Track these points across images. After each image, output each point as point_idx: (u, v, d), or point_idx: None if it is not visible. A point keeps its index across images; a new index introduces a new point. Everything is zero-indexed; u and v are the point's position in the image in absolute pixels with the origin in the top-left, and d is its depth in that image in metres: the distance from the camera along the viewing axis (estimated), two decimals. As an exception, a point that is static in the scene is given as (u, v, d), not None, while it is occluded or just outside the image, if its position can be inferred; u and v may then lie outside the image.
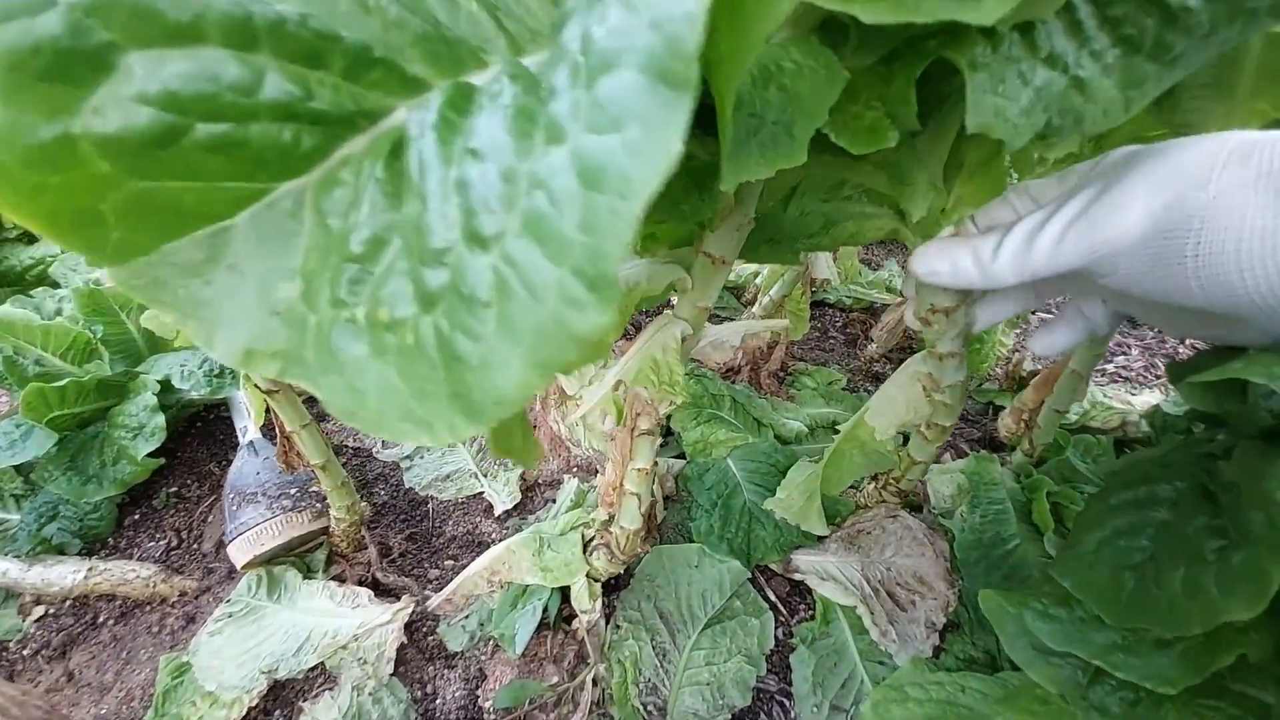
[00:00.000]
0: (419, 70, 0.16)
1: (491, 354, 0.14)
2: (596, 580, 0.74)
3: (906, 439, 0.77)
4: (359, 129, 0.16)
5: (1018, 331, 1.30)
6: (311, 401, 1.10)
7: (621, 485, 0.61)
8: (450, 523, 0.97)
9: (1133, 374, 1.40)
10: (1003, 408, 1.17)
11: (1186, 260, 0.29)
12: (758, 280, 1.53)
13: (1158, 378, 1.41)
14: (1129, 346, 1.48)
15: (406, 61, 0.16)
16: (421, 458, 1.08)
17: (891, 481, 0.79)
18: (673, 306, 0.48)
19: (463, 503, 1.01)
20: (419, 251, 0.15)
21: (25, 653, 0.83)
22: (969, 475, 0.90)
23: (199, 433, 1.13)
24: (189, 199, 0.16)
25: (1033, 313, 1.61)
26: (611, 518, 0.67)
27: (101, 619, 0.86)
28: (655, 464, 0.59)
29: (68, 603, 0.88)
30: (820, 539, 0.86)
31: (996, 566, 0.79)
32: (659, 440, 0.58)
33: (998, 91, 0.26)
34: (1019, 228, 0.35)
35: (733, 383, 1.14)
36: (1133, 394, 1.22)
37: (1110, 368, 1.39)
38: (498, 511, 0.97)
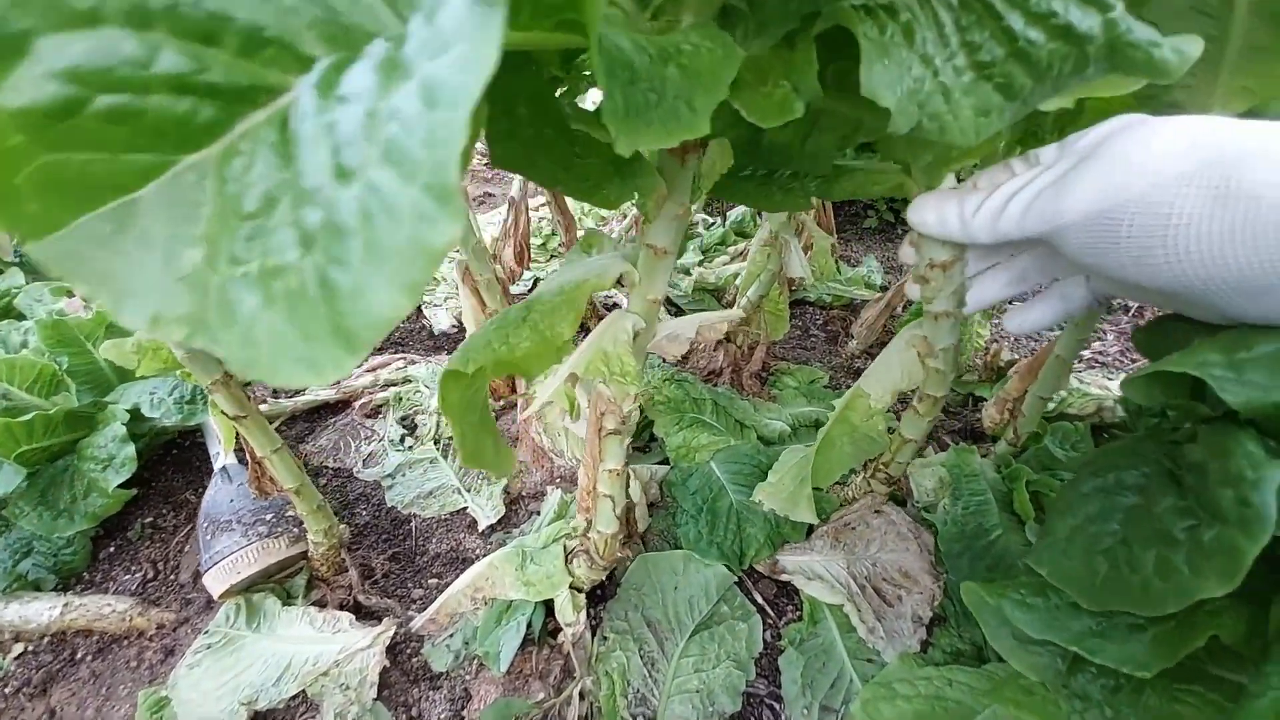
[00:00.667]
0: (314, 49, 0.17)
1: (362, 280, 0.15)
2: (580, 591, 0.74)
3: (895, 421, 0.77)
4: (258, 104, 0.17)
5: (994, 323, 1.31)
6: (284, 426, 1.07)
7: (595, 489, 0.60)
8: (434, 540, 0.96)
9: (1109, 359, 1.42)
10: (983, 399, 1.19)
11: (1120, 242, 0.31)
12: (737, 282, 1.53)
13: (1134, 362, 1.43)
14: (1105, 332, 1.50)
15: (301, 42, 0.17)
16: (403, 475, 1.07)
17: (880, 468, 0.80)
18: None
19: (446, 519, 1.00)
20: (299, 197, 0.16)
21: (7, 690, 0.81)
22: (950, 468, 0.90)
23: (173, 460, 1.11)
24: (97, 170, 0.17)
25: (1009, 303, 1.63)
26: (589, 524, 0.67)
27: (80, 655, 0.84)
28: (626, 464, 0.59)
29: (45, 639, 0.86)
30: (807, 536, 0.86)
31: (980, 557, 0.80)
32: (628, 440, 0.58)
33: (885, 65, 0.28)
34: (1001, 190, 0.39)
35: (715, 385, 1.14)
36: (1109, 379, 1.24)
37: (1087, 354, 1.40)
38: (481, 527, 0.96)
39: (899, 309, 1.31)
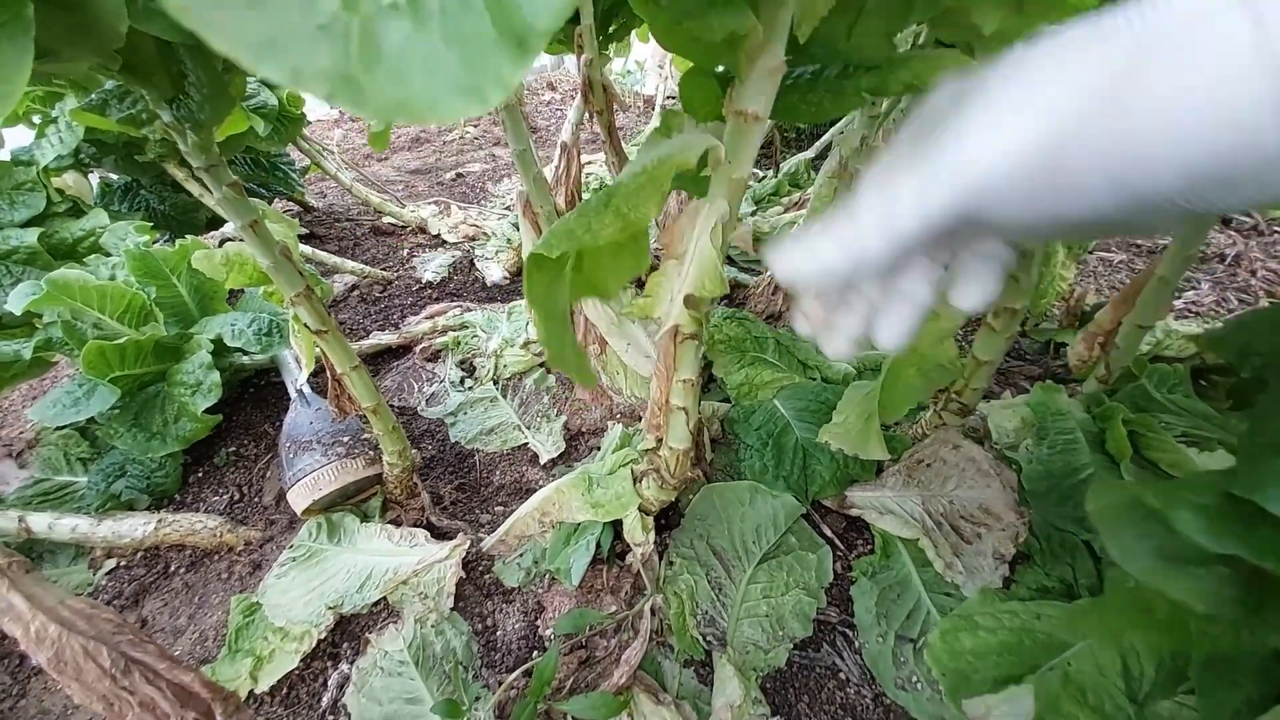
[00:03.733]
0: None
1: None
2: (648, 513, 0.73)
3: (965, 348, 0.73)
4: None
5: (1080, 264, 1.22)
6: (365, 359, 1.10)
7: (667, 402, 0.59)
8: (497, 472, 0.98)
9: (1204, 309, 1.32)
10: (1063, 344, 1.12)
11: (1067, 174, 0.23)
12: (793, 230, 1.48)
13: (1230, 311, 1.32)
14: (1199, 281, 1.38)
15: None
16: (465, 414, 1.09)
17: (953, 397, 0.75)
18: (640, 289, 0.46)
19: (508, 454, 1.01)
20: None
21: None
22: (1034, 407, 0.85)
23: (251, 397, 1.17)
24: None
25: (1090, 251, 1.52)
26: (659, 442, 0.66)
27: (173, 568, 0.89)
28: (700, 375, 0.57)
29: (139, 554, 0.92)
30: (877, 474, 0.83)
31: (1069, 496, 0.75)
32: (703, 347, 0.56)
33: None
34: (868, 179, 0.28)
35: (775, 326, 1.11)
36: (1205, 326, 1.14)
37: (1179, 303, 1.30)
38: (543, 461, 0.97)
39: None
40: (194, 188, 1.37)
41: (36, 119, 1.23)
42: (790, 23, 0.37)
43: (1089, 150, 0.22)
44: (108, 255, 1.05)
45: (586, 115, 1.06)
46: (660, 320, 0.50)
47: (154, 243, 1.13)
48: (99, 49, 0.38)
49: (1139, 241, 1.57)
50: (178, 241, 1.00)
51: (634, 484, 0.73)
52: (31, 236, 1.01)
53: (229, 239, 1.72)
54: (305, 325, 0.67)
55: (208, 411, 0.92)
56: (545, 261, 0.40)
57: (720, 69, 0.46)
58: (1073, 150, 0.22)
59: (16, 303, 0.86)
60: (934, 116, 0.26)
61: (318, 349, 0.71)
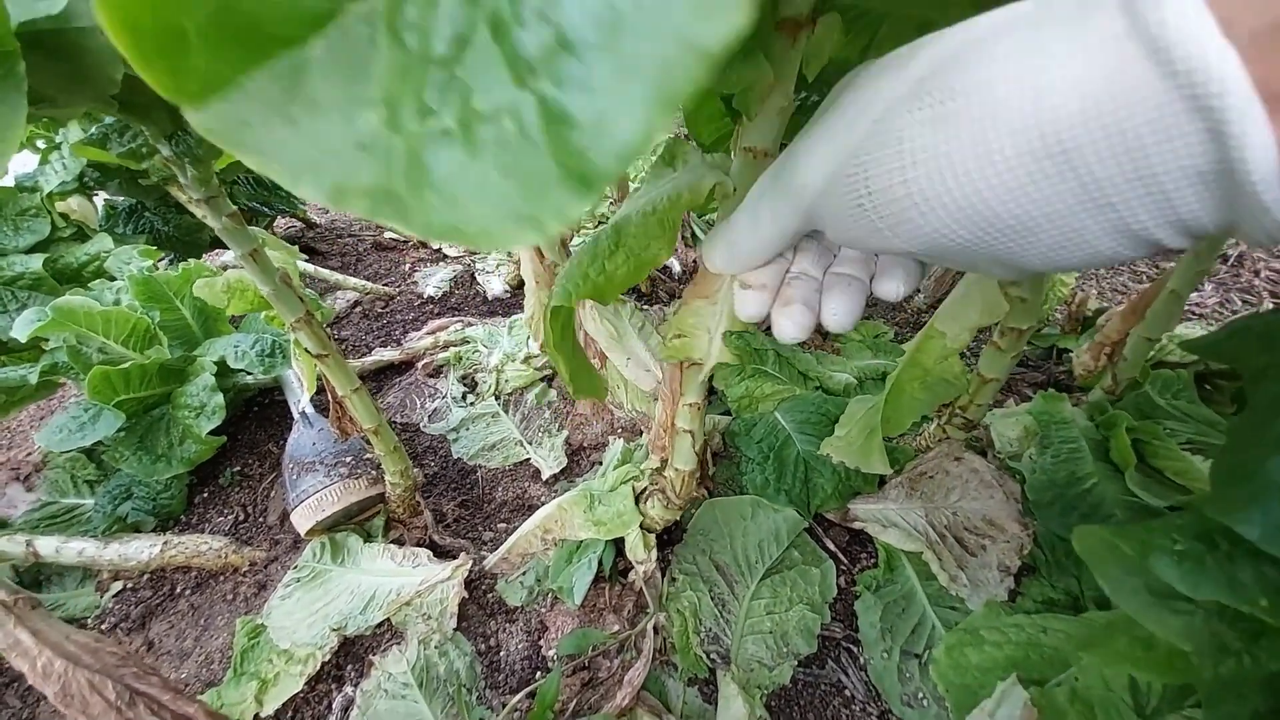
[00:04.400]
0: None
1: (607, 101, 0.12)
2: (651, 531, 0.73)
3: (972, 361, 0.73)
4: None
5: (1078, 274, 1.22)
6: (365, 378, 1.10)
7: (673, 424, 0.59)
8: (499, 489, 0.98)
9: (1206, 311, 1.31)
10: (1066, 351, 1.11)
11: (864, 203, 0.23)
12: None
13: (1234, 313, 1.31)
14: (1201, 283, 1.37)
15: None
16: (467, 429, 1.09)
17: (957, 413, 0.75)
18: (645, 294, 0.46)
19: (510, 470, 1.01)
20: (507, 25, 0.13)
21: (104, 627, 0.87)
22: (1037, 416, 0.85)
23: (255, 416, 1.17)
24: (266, 15, 0.15)
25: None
26: (664, 463, 0.66)
27: (179, 590, 0.90)
28: (705, 399, 0.58)
29: (145, 576, 0.92)
30: (880, 486, 0.83)
31: (1073, 506, 0.75)
32: (709, 372, 0.56)
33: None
34: (750, 194, 0.30)
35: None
36: (1209, 330, 1.14)
37: (1182, 305, 1.29)
38: (545, 476, 0.98)
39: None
40: (198, 210, 1.38)
41: (40, 144, 1.24)
42: (799, 63, 0.37)
43: (858, 191, 0.23)
44: (112, 279, 1.06)
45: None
46: (702, 361, 0.51)
47: (159, 263, 1.14)
48: (95, 94, 0.39)
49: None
50: (181, 265, 1.02)
51: (636, 501, 0.73)
52: (36, 262, 1.02)
53: (230, 266, 1.74)
54: (306, 349, 0.68)
55: (212, 433, 0.93)
56: (564, 311, 0.41)
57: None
58: (851, 188, 0.23)
59: (22, 330, 0.87)
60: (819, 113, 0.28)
61: (319, 371, 0.72)
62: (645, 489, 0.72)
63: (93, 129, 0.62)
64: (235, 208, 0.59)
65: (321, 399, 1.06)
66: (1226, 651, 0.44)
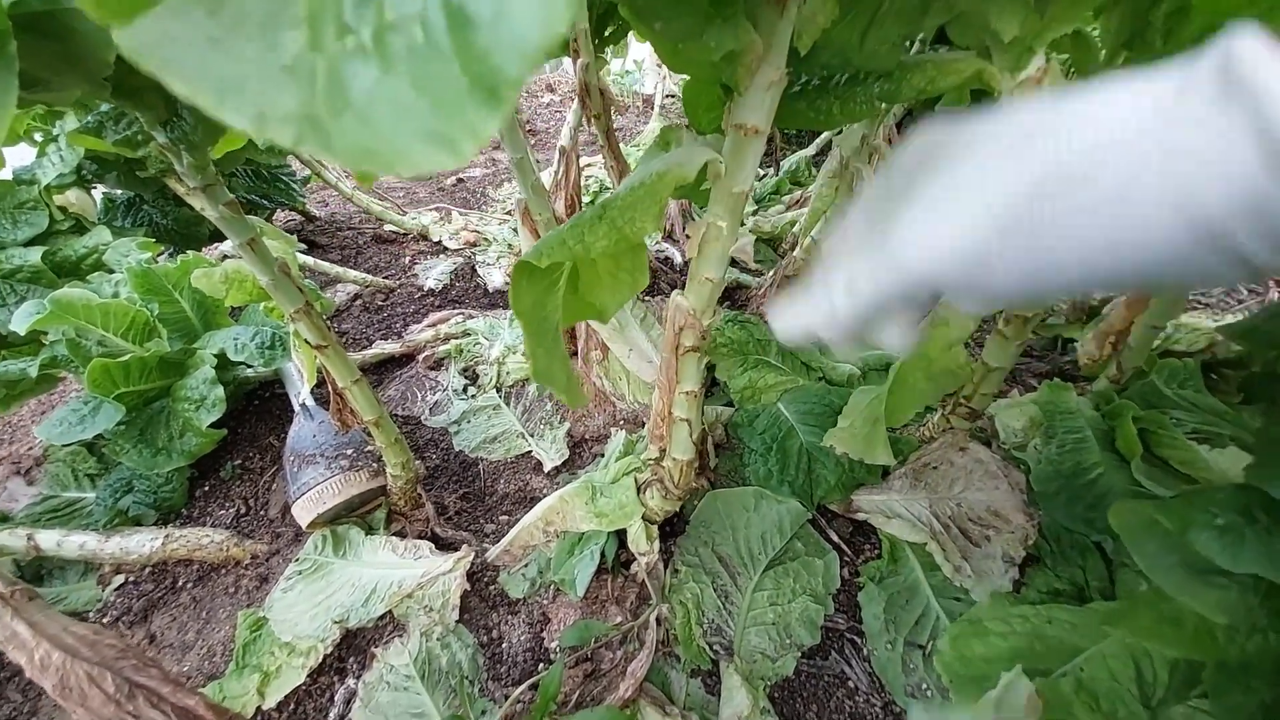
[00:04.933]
0: None
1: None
2: (652, 522, 0.73)
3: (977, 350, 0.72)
4: None
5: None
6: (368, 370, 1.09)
7: (670, 413, 0.58)
8: (501, 481, 0.97)
9: (1212, 300, 1.30)
10: (1071, 341, 1.10)
11: (993, 281, 0.24)
12: (794, 229, 1.47)
13: (1239, 303, 1.30)
14: (1207, 272, 1.36)
15: None
16: (468, 422, 1.09)
17: (962, 402, 0.75)
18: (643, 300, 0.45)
19: (512, 462, 1.01)
20: None
21: (105, 621, 0.87)
22: (1042, 406, 0.84)
23: (256, 410, 1.17)
24: None
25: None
26: (663, 453, 0.65)
27: (181, 583, 0.90)
28: (703, 387, 0.57)
29: (146, 570, 0.92)
30: (883, 477, 0.83)
31: (1079, 496, 0.74)
32: (705, 359, 0.56)
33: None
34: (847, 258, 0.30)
35: (778, 330, 1.10)
36: (1215, 320, 1.13)
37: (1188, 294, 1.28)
38: (547, 468, 0.97)
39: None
40: (196, 202, 1.38)
41: (38, 137, 1.23)
42: (791, 35, 0.36)
43: (1005, 263, 0.23)
44: (111, 272, 1.05)
45: (584, 119, 1.06)
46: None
47: (158, 256, 1.13)
48: (88, 77, 0.38)
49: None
50: (180, 257, 1.01)
51: (638, 493, 0.73)
52: (35, 255, 1.02)
53: (229, 256, 1.73)
54: (305, 340, 0.67)
55: (212, 426, 0.93)
56: (534, 271, 0.40)
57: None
58: (992, 262, 0.24)
59: (20, 322, 0.87)
60: (902, 179, 0.28)
61: (319, 362, 0.71)
62: (646, 480, 0.72)
63: (88, 117, 0.61)
64: (232, 196, 0.59)
65: (322, 391, 1.06)
66: (1254, 628, 0.43)
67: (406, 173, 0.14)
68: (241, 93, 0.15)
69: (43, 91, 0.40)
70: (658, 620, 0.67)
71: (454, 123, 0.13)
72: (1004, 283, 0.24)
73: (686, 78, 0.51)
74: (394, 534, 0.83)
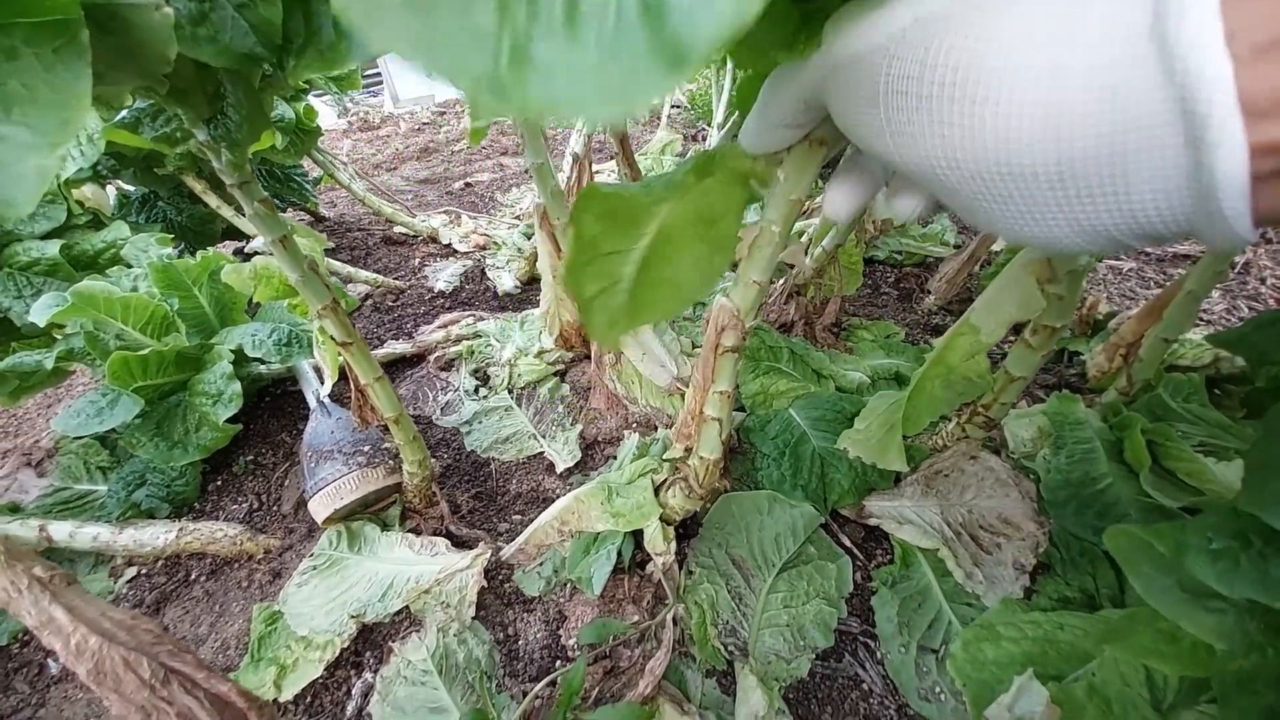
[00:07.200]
0: None
1: None
2: (669, 523, 0.74)
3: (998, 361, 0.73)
4: None
5: (1089, 272, 1.23)
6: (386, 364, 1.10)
7: (701, 412, 0.59)
8: (514, 481, 0.98)
9: (1214, 317, 1.32)
10: (1077, 353, 1.12)
11: (876, 100, 0.23)
12: (803, 239, 1.49)
13: (1240, 319, 1.32)
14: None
15: None
16: (480, 422, 1.10)
17: (980, 411, 0.76)
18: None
19: (524, 463, 1.02)
20: None
21: None
22: (1051, 417, 0.85)
23: (268, 406, 1.17)
24: None
25: (1099, 260, 1.53)
26: (688, 451, 0.66)
27: (193, 576, 0.90)
28: (735, 389, 0.58)
29: (159, 562, 0.92)
30: (896, 483, 0.84)
31: (1088, 506, 0.76)
32: (740, 361, 0.57)
33: None
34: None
35: (789, 336, 1.12)
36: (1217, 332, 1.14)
37: (1190, 311, 1.30)
38: (559, 469, 0.98)
39: (982, 262, 1.24)
40: (211, 199, 1.39)
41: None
42: None
43: (875, 80, 0.23)
44: (129, 267, 1.06)
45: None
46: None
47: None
48: (146, 73, 0.39)
49: (1147, 250, 1.57)
50: (199, 253, 1.02)
51: (655, 493, 0.74)
52: (53, 248, 1.02)
53: (256, 252, 1.74)
54: (331, 337, 0.68)
55: (228, 421, 0.93)
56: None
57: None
58: (870, 75, 0.23)
59: (40, 314, 0.87)
60: None
61: (341, 360, 0.72)
62: (666, 480, 0.73)
63: (124, 112, 0.62)
64: (265, 194, 0.60)
65: (339, 388, 1.06)
66: (1251, 646, 0.44)
67: (582, 116, 0.15)
68: (433, 52, 0.17)
69: (99, 85, 0.41)
70: (674, 620, 0.68)
71: (633, 81, 0.14)
72: (887, 103, 0.23)
73: (738, 76, 0.52)
74: (409, 531, 0.84)
